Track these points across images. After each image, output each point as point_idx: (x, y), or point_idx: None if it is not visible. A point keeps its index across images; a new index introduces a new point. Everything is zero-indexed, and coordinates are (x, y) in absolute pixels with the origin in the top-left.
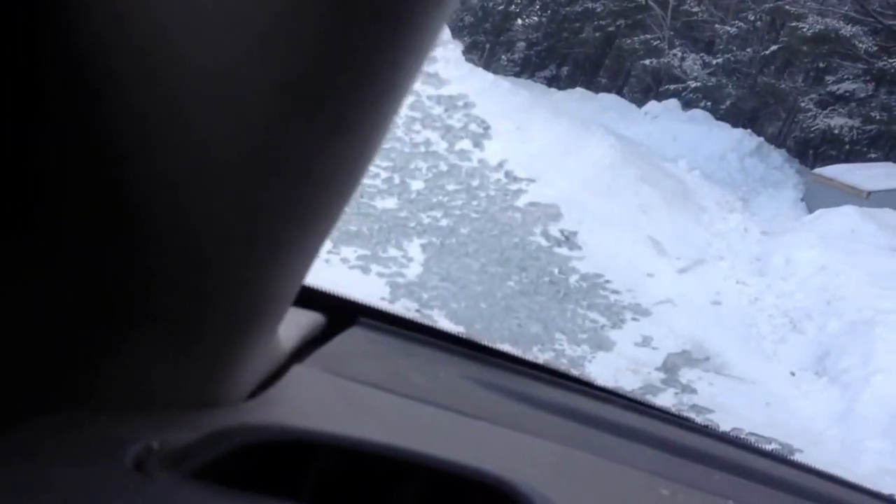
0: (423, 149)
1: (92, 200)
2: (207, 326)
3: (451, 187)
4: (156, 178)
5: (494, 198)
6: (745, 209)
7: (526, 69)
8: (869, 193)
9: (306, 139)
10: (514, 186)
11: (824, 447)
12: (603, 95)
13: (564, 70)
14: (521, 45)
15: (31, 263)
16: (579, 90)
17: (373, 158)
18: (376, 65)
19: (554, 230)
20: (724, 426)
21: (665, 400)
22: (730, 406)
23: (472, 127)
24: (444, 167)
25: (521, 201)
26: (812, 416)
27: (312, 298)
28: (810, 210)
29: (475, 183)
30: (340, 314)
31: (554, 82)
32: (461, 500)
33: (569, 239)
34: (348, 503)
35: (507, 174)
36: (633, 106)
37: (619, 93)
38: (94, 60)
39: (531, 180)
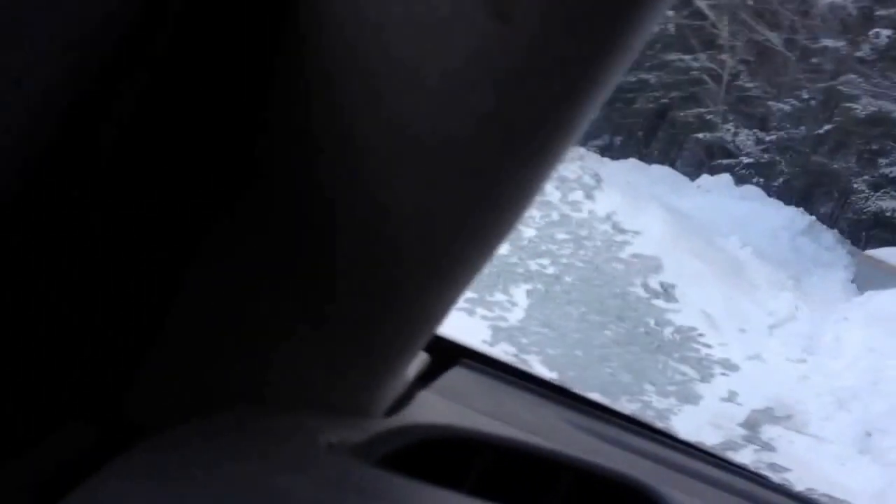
0: (537, 197)
1: (298, 194)
2: (375, 338)
3: (560, 236)
4: (363, 184)
5: (600, 248)
6: (797, 288)
7: (580, 138)
8: None
9: (498, 168)
10: (619, 238)
11: None
12: (655, 167)
13: (618, 140)
14: None
15: (232, 252)
16: (632, 161)
17: (537, 195)
18: (572, 100)
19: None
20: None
21: None
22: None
23: (586, 179)
24: (555, 216)
25: (625, 253)
26: (854, 493)
27: None
28: (860, 291)
29: (584, 233)
30: (444, 354)
31: (607, 151)
32: (603, 500)
33: (666, 291)
34: (505, 497)
35: (615, 225)
36: (686, 179)
37: (672, 165)
38: (314, 59)
39: (637, 233)
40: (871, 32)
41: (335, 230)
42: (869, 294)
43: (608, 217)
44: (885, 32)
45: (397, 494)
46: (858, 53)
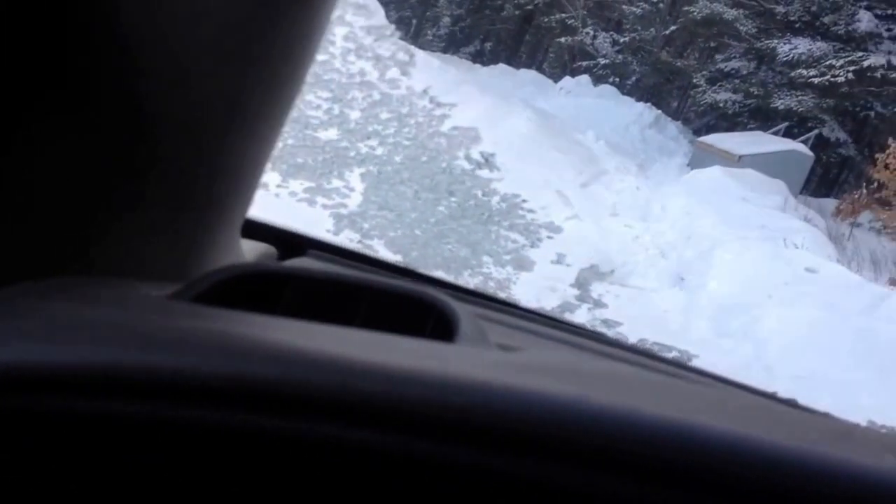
0: (358, 79)
1: (119, 68)
2: (187, 204)
3: (384, 115)
4: (166, 72)
5: (422, 124)
6: (640, 173)
7: (451, 45)
8: (740, 157)
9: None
10: (438, 112)
11: (672, 327)
12: (523, 71)
13: (488, 46)
14: (447, 20)
15: (53, 124)
16: (501, 66)
17: (305, 74)
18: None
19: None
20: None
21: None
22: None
23: (400, 55)
24: (377, 95)
25: (445, 126)
26: (667, 310)
27: (265, 232)
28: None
29: (405, 110)
30: (290, 246)
31: (478, 58)
32: (401, 313)
33: (488, 161)
34: (314, 318)
35: (432, 100)
36: (550, 81)
37: (539, 68)
38: None
39: (453, 105)
40: None
41: (137, 103)
42: (693, 172)
43: (425, 92)
44: None
45: (210, 319)
46: None
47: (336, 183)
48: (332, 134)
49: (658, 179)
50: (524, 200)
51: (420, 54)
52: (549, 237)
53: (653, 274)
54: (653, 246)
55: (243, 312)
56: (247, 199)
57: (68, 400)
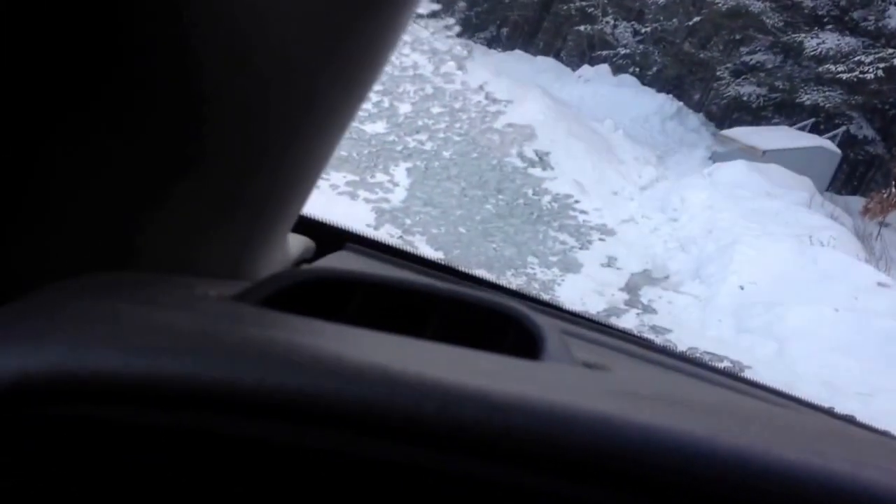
0: (411, 72)
1: (165, 67)
2: (243, 206)
3: (435, 110)
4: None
5: (475, 119)
6: (660, 164)
7: (467, 30)
8: (764, 152)
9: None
10: (493, 108)
11: (693, 324)
12: (540, 59)
13: (504, 32)
14: (462, 5)
15: (98, 124)
16: (518, 52)
17: (373, 83)
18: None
19: (528, 151)
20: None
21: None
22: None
23: (457, 50)
24: (429, 90)
25: (499, 123)
26: (687, 305)
27: (305, 225)
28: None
29: (458, 105)
30: (329, 240)
31: (494, 43)
32: (477, 325)
33: (542, 159)
34: (381, 328)
35: (488, 95)
36: (568, 69)
37: (557, 56)
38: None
39: (509, 101)
40: None
41: (199, 99)
42: (717, 165)
43: (481, 88)
44: None
45: (281, 326)
46: None
47: (380, 177)
48: (379, 127)
49: (679, 171)
50: (577, 201)
51: (430, 37)
52: (600, 239)
53: (673, 267)
54: (672, 239)
55: (317, 320)
56: (304, 199)
57: (148, 413)
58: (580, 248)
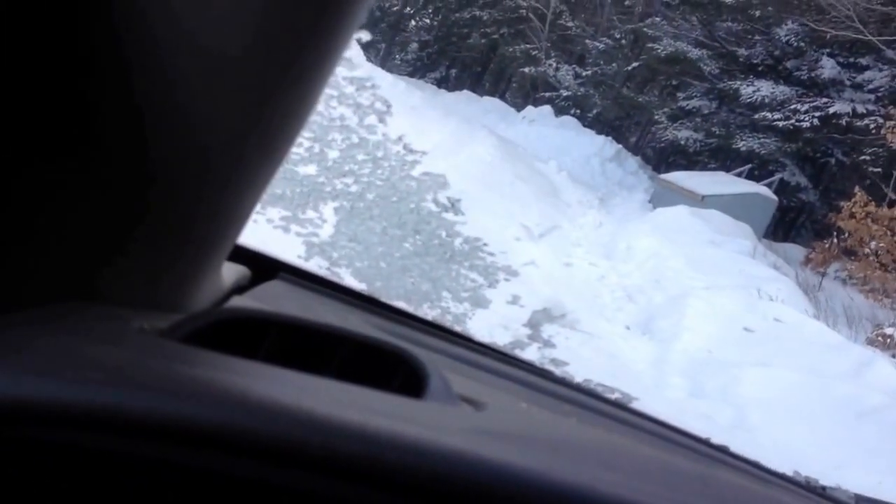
0: (338, 122)
1: (125, 136)
2: (183, 240)
3: (360, 157)
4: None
5: (395, 167)
6: (602, 207)
7: (418, 70)
8: (703, 197)
9: (271, 86)
10: (410, 158)
11: (640, 383)
12: (487, 99)
13: (453, 72)
14: (414, 45)
15: (53, 161)
16: (466, 93)
17: (304, 125)
18: (306, 45)
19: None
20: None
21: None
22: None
23: (378, 105)
24: (355, 139)
25: (417, 171)
26: (636, 362)
27: (241, 254)
28: (654, 209)
29: (379, 154)
30: (263, 269)
31: (443, 83)
32: (374, 364)
33: (454, 205)
34: (289, 366)
35: (406, 147)
36: (513, 110)
37: (502, 97)
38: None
39: (424, 153)
40: None
41: (141, 141)
42: (659, 210)
43: (399, 139)
44: None
45: (197, 363)
46: None
47: (310, 214)
48: (310, 170)
49: (620, 215)
50: (485, 244)
51: (388, 77)
52: (506, 279)
53: (620, 318)
54: (619, 288)
55: (229, 357)
56: (240, 229)
57: (69, 434)
58: (488, 287)
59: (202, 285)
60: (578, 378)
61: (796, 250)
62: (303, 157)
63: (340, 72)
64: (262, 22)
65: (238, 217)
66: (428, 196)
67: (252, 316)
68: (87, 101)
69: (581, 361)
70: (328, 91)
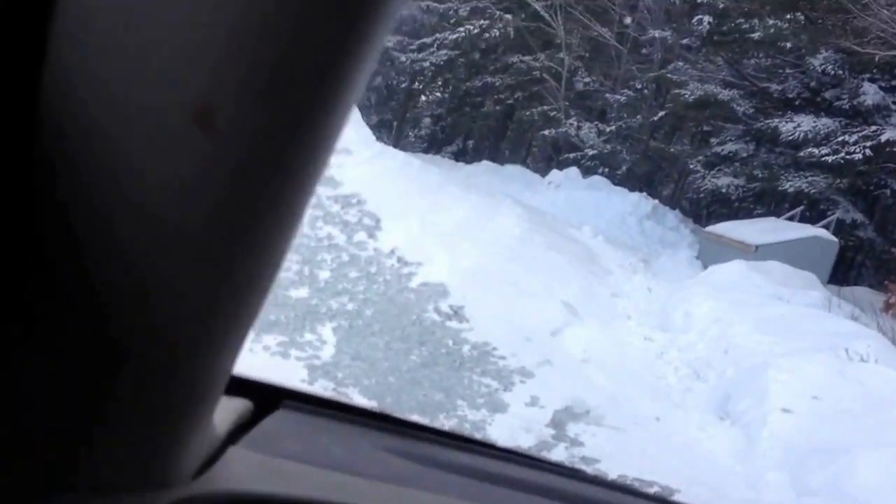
0: (326, 242)
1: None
2: (161, 407)
3: (353, 274)
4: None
5: (391, 281)
6: (647, 269)
7: (433, 145)
8: (756, 248)
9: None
10: (405, 270)
11: (731, 482)
12: (508, 167)
13: (470, 143)
14: (427, 120)
15: (25, 350)
16: (485, 163)
17: (288, 247)
18: (286, 166)
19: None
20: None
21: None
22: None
23: (366, 221)
24: (345, 257)
25: (414, 282)
26: (719, 455)
27: (240, 386)
28: (705, 266)
29: (373, 269)
30: (266, 399)
31: (461, 156)
32: None
33: (457, 313)
34: None
35: (399, 259)
36: (537, 176)
37: (524, 163)
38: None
39: (419, 263)
40: (694, 20)
41: (110, 319)
42: (712, 268)
43: (392, 252)
44: (707, 18)
45: None
46: (684, 41)
47: (308, 336)
48: (302, 293)
49: (668, 277)
50: (494, 348)
51: (399, 156)
52: (521, 381)
53: (691, 399)
54: (683, 364)
55: None
56: (230, 367)
57: None
58: (504, 391)
59: (199, 425)
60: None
61: (867, 294)
62: (293, 281)
63: (323, 192)
64: (234, 148)
65: (229, 351)
66: (429, 306)
67: (227, 499)
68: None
69: (653, 459)
70: (314, 212)
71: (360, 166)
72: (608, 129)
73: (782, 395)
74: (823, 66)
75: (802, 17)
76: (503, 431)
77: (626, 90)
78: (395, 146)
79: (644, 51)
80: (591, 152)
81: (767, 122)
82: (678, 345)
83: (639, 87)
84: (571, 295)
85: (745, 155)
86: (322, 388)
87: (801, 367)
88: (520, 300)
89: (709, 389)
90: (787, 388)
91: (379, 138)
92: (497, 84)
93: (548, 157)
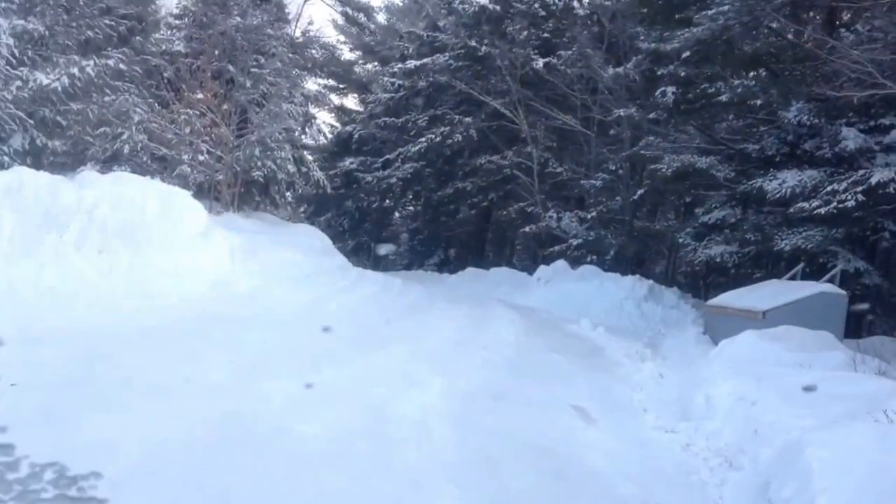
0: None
1: None
2: None
3: None
4: None
5: None
6: (655, 355)
7: (415, 260)
8: (764, 314)
9: None
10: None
11: None
12: (493, 270)
13: (451, 252)
14: (405, 236)
15: None
16: (470, 270)
17: None
18: None
19: None
20: None
21: None
22: None
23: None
24: None
25: None
26: None
27: None
28: (714, 341)
29: None
30: None
31: (444, 266)
32: None
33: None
34: None
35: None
36: (524, 274)
37: (509, 263)
38: None
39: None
40: (657, 92)
41: None
42: (722, 344)
43: None
44: (671, 89)
45: None
46: (651, 115)
47: None
48: None
49: (678, 359)
50: None
51: (380, 277)
52: None
53: (728, 495)
54: (712, 454)
55: None
56: None
57: None
58: None
59: None
60: None
61: (886, 343)
62: None
63: None
64: None
65: None
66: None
67: None
68: None
69: None
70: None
71: (338, 297)
72: (589, 216)
73: (825, 474)
74: (798, 118)
75: (767, 73)
76: None
77: (600, 174)
78: (375, 268)
79: (612, 132)
80: (575, 242)
81: (751, 183)
82: (703, 433)
83: (613, 168)
84: (581, 395)
85: (733, 220)
86: None
87: (840, 440)
88: (527, 410)
89: (746, 477)
90: (830, 467)
91: (357, 263)
92: (469, 188)
93: (533, 254)
